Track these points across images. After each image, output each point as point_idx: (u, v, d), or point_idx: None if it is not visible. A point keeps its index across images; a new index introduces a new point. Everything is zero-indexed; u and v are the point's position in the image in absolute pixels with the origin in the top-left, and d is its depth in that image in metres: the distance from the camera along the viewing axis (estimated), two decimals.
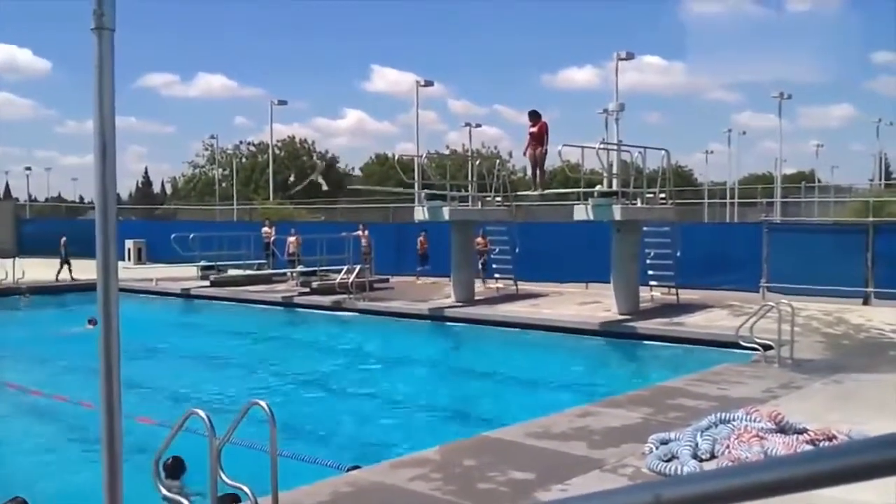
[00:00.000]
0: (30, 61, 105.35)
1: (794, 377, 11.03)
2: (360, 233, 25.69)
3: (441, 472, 6.94)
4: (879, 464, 1.13)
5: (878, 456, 1.13)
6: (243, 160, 69.66)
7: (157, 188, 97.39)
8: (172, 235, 27.22)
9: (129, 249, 33.32)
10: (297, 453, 8.42)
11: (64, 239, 27.49)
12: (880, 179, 56.71)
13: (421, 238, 25.63)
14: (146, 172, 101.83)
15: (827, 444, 7.18)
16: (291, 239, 27.20)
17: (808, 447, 7.05)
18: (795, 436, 7.38)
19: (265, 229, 29.03)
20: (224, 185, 64.72)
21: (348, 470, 7.44)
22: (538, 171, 19.99)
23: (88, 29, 2.89)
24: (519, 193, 24.00)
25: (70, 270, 26.94)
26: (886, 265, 19.07)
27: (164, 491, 5.73)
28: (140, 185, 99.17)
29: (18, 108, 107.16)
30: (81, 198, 77.28)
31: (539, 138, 19.23)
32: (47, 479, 8.62)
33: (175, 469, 7.28)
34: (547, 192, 22.00)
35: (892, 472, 1.12)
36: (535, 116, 19.28)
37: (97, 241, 2.33)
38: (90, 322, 19.34)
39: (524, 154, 20.36)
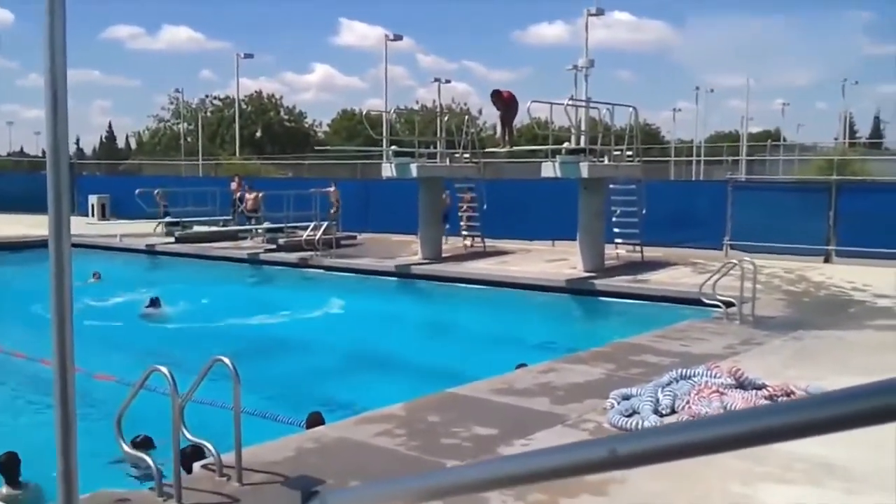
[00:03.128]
0: None
1: (754, 334, 11.20)
2: (329, 189, 25.41)
3: (406, 427, 6.99)
4: (833, 418, 1.13)
5: (833, 411, 1.14)
6: (209, 114, 68.61)
7: (121, 143, 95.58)
8: (137, 190, 26.88)
9: (92, 205, 32.92)
10: (259, 410, 8.43)
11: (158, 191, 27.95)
12: (845, 138, 57.29)
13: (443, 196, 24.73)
14: (110, 127, 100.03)
15: (784, 399, 7.32)
16: (249, 196, 26.73)
17: (767, 402, 7.19)
18: (754, 391, 7.51)
19: (233, 185, 28.69)
20: (189, 139, 63.73)
21: (309, 414, 7.61)
22: (506, 130, 20.00)
23: None
24: (487, 150, 23.88)
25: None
26: (848, 223, 19.33)
27: (125, 447, 5.71)
28: (104, 140, 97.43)
29: None
30: (44, 152, 75.62)
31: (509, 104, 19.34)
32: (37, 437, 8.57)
33: (145, 446, 7.20)
34: (515, 149, 21.98)
35: (845, 426, 1.12)
36: (496, 96, 19.31)
37: (49, 194, 2.27)
38: (94, 275, 19.08)
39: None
